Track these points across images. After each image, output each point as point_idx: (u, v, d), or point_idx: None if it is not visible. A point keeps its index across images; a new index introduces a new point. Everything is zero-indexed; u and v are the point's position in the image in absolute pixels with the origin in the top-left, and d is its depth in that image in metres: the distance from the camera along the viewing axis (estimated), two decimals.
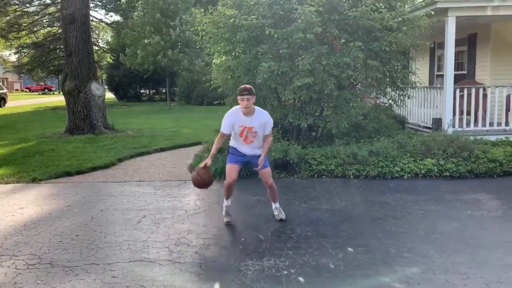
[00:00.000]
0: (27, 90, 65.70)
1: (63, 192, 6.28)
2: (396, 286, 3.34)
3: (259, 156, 4.68)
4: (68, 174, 7.34)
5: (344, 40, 7.51)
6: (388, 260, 3.81)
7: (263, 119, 4.60)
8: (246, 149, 4.74)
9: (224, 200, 4.92)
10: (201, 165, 4.62)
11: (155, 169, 7.74)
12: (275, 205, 5.00)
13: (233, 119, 4.61)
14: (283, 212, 4.98)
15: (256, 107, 4.65)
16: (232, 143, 4.81)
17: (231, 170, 4.74)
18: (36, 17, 27.96)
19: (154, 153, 9.42)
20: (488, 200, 5.60)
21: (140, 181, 6.91)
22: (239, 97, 4.52)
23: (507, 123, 8.92)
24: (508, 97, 8.92)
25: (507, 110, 8.93)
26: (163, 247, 4.17)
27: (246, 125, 4.58)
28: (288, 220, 4.92)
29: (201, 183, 4.68)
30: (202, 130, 12.47)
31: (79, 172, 7.47)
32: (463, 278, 3.44)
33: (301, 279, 3.49)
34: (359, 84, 8.11)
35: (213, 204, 5.59)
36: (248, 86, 4.59)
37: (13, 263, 3.85)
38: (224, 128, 4.64)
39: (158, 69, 22.53)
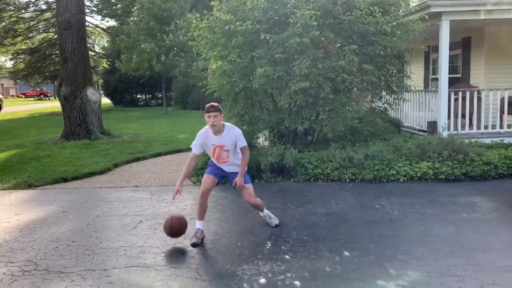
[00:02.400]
0: (23, 96, 65.52)
1: (59, 198, 6.27)
2: None
3: (235, 174, 4.50)
4: (64, 180, 7.33)
5: (339, 44, 7.56)
6: (384, 263, 3.82)
7: (231, 135, 4.41)
8: (224, 167, 4.60)
9: (196, 220, 4.53)
10: (174, 193, 4.37)
11: (151, 174, 7.74)
12: (263, 214, 4.88)
13: (203, 138, 4.45)
14: (273, 216, 4.88)
15: (225, 123, 4.45)
16: (211, 161, 4.68)
17: (206, 179, 4.55)
18: (31, 23, 27.99)
19: (150, 158, 9.42)
20: (483, 202, 5.62)
21: (136, 186, 6.90)
22: (206, 115, 4.31)
23: (501, 126, 8.97)
24: (502, 100, 8.97)
25: (502, 113, 8.98)
26: (159, 252, 4.17)
27: (217, 144, 4.42)
28: (284, 224, 4.93)
29: (176, 231, 4.37)
30: None
31: (75, 178, 7.45)
32: (458, 281, 3.46)
33: (297, 283, 3.49)
34: (355, 88, 8.15)
35: (209, 209, 5.58)
36: (214, 103, 4.35)
37: (9, 269, 3.84)
38: (194, 149, 4.48)
39: (154, 74, 22.56)
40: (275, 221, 4.86)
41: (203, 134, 4.48)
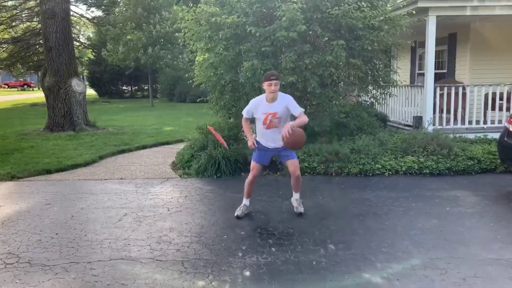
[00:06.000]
0: (6, 86, 64.29)
1: (42, 190, 6.18)
2: (376, 282, 3.39)
3: (282, 149, 4.70)
4: (48, 171, 7.23)
5: (327, 38, 7.55)
6: (369, 256, 3.86)
7: (283, 102, 4.62)
8: (270, 137, 4.73)
9: (244, 198, 5.00)
10: (250, 145, 4.74)
11: (136, 167, 7.67)
12: (296, 196, 5.02)
13: (255, 105, 4.71)
14: (302, 205, 5.04)
15: (279, 92, 4.68)
16: (258, 137, 4.85)
17: (254, 166, 4.87)
18: (15, 12, 27.38)
19: (136, 150, 9.34)
20: (466, 197, 5.70)
21: (121, 178, 6.84)
22: (266, 82, 4.56)
23: (485, 122, 9.10)
24: (486, 96, 9.09)
25: (486, 108, 9.11)
26: (144, 245, 4.14)
27: (269, 111, 4.63)
28: (271, 217, 4.94)
29: (298, 141, 4.50)
30: (185, 127, 12.39)
31: (59, 170, 7.36)
32: (441, 273, 3.51)
33: (282, 275, 3.51)
34: (342, 82, 8.17)
35: (195, 202, 5.57)
36: (274, 71, 4.66)
37: None
38: (245, 114, 4.77)
39: (140, 65, 22.33)
40: (301, 209, 5.00)
41: (257, 100, 4.75)
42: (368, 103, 8.68)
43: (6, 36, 29.14)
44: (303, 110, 4.70)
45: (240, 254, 3.92)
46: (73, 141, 10.06)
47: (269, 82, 4.54)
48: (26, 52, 28.90)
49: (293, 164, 4.83)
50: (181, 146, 9.17)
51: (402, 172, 6.83)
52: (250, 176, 4.90)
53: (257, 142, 4.84)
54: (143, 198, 5.74)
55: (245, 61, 6.98)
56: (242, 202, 5.02)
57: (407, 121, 9.74)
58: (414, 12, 8.25)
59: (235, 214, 4.90)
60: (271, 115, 4.64)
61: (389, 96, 8.95)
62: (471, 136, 8.47)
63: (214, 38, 7.38)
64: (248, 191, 4.97)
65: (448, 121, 9.13)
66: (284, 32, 6.72)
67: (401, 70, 11.27)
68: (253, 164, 4.91)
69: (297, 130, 4.43)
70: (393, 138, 7.99)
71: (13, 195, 5.95)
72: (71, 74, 12.11)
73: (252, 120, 4.92)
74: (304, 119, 4.58)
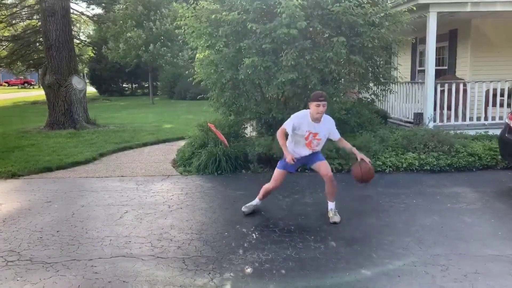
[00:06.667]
0: (6, 84, 64.27)
1: (43, 188, 6.19)
2: (377, 278, 3.39)
3: (310, 154, 4.72)
4: (49, 169, 7.23)
5: (327, 35, 7.53)
6: (369, 252, 3.86)
7: (328, 126, 4.64)
8: (305, 152, 4.72)
9: (257, 198, 4.98)
10: (290, 161, 4.54)
11: (137, 164, 7.67)
12: (331, 205, 4.77)
13: (300, 121, 4.57)
14: (338, 215, 4.71)
15: (324, 114, 4.62)
16: (290, 145, 4.71)
17: (278, 175, 4.80)
18: (14, 9, 27.33)
19: (137, 148, 9.34)
20: (467, 193, 5.70)
21: (122, 176, 6.84)
22: (314, 103, 4.47)
23: (486, 118, 9.08)
24: (487, 92, 9.07)
25: (486, 105, 9.09)
26: (145, 242, 4.15)
27: (312, 130, 4.57)
28: (271, 214, 4.94)
29: (366, 177, 4.64)
30: (185, 125, 12.38)
31: (59, 168, 7.36)
32: (442, 270, 3.51)
33: (283, 272, 3.51)
34: (342, 79, 8.15)
35: (196, 199, 5.58)
36: (323, 92, 4.65)
37: None
38: (287, 127, 4.60)
39: (140, 63, 22.29)
40: (336, 218, 4.66)
41: (301, 117, 4.61)
42: (368, 100, 8.67)
43: (6, 34, 29.13)
44: (340, 136, 4.77)
45: (241, 251, 3.92)
46: (74, 139, 10.06)
47: (317, 103, 4.45)
48: (26, 50, 28.88)
49: (324, 166, 4.73)
50: (181, 143, 9.17)
51: (403, 169, 6.82)
52: (271, 185, 4.83)
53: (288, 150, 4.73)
54: (144, 195, 5.74)
55: (246, 58, 6.96)
56: (254, 201, 4.99)
57: (408, 117, 9.72)
58: (414, 8, 8.22)
59: (242, 210, 4.92)
60: (312, 135, 4.59)
61: (390, 93, 8.94)
62: (472, 132, 8.46)
63: (214, 35, 7.36)
64: (265, 195, 4.95)
65: (449, 118, 9.11)
66: (284, 29, 6.70)
67: (402, 66, 11.27)
68: (277, 172, 4.80)
69: (368, 167, 4.61)
70: (393, 135, 7.98)
71: (13, 193, 5.95)
72: (71, 72, 12.10)
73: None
74: (349, 146, 4.77)
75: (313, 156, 4.77)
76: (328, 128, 4.66)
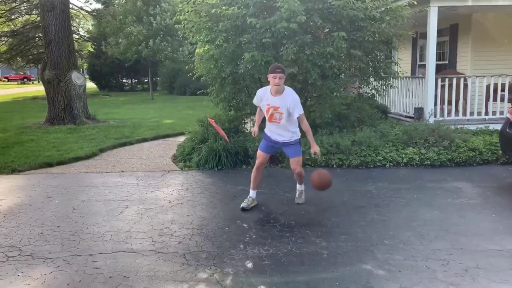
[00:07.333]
0: (6, 80, 64.17)
1: (43, 183, 6.18)
2: (378, 273, 3.39)
3: (289, 143, 4.78)
4: (49, 165, 7.22)
5: (327, 30, 7.50)
6: (370, 247, 3.86)
7: (289, 100, 4.58)
8: (275, 131, 4.75)
9: (251, 190, 5.00)
10: (253, 134, 4.98)
11: (137, 160, 7.67)
12: (299, 187, 5.12)
13: (260, 96, 4.74)
14: (303, 197, 5.10)
15: (286, 87, 4.66)
16: (265, 129, 4.87)
17: (259, 154, 4.91)
18: (13, 5, 27.23)
19: (137, 143, 9.33)
20: (468, 188, 5.70)
21: (122, 171, 6.84)
22: (271, 75, 4.51)
23: (486, 113, 9.07)
24: (488, 87, 9.06)
25: (487, 99, 9.07)
26: (146, 237, 4.15)
27: (271, 104, 4.62)
28: (272, 209, 4.94)
29: (323, 184, 4.73)
30: (185, 120, 12.37)
31: (60, 163, 7.35)
32: (443, 264, 3.51)
33: (284, 267, 3.51)
34: (343, 74, 8.13)
35: (196, 194, 5.57)
36: (280, 64, 4.67)
37: None
38: (255, 103, 4.84)
39: (140, 58, 22.24)
40: (301, 200, 5.10)
41: (263, 91, 4.76)
42: (369, 94, 8.65)
43: (6, 29, 29.03)
44: (302, 113, 4.70)
45: (242, 246, 3.92)
46: (74, 134, 10.05)
47: (273, 74, 4.49)
48: (25, 45, 28.78)
49: (294, 162, 4.86)
50: (181, 138, 9.16)
51: (403, 164, 6.82)
52: (256, 164, 4.95)
53: (264, 133, 4.90)
54: (144, 190, 5.74)
55: (246, 53, 6.94)
56: (250, 194, 5.03)
57: (408, 112, 9.71)
58: (415, 2, 8.18)
59: (241, 206, 4.90)
60: (273, 108, 4.62)
61: (390, 88, 8.92)
62: (473, 127, 8.45)
63: (214, 29, 7.33)
64: (254, 180, 4.97)
65: (449, 113, 9.10)
66: (284, 23, 6.67)
67: (402, 61, 11.23)
68: (258, 152, 4.97)
69: (323, 174, 4.73)
70: (394, 130, 7.98)
71: (14, 188, 5.95)
72: (71, 67, 12.06)
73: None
74: (307, 124, 4.75)
75: (289, 148, 4.83)
76: (289, 102, 4.57)
